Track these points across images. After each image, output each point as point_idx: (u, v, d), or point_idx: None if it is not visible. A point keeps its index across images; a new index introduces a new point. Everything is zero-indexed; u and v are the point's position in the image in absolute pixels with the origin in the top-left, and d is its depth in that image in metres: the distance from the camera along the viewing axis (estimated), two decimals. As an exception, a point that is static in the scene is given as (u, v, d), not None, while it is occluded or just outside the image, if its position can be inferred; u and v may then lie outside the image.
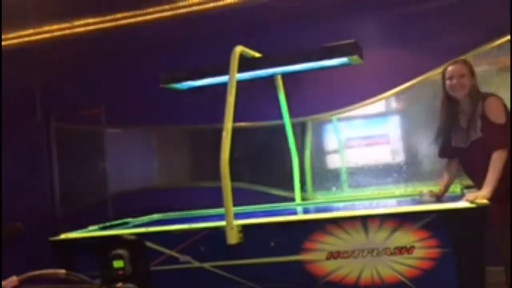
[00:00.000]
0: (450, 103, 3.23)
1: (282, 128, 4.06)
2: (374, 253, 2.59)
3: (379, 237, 2.59)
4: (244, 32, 4.46)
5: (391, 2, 4.39)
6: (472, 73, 3.19)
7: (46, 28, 4.66)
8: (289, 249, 2.73)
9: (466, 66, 3.21)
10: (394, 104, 4.47)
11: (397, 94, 4.37)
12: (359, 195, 4.29)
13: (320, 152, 4.64)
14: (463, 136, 3.15)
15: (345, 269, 2.64)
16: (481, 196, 2.80)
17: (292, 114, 4.03)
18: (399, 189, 4.26)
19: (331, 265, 2.66)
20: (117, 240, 3.02)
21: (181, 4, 4.35)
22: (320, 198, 4.48)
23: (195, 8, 4.34)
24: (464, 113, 3.18)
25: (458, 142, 3.20)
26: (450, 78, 3.18)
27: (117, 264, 2.89)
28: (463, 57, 3.74)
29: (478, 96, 3.14)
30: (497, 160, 2.94)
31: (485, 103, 3.07)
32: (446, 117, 3.26)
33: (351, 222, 2.64)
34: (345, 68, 3.47)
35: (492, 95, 3.14)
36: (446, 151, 3.31)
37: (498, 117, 3.05)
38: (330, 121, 4.59)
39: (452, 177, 3.35)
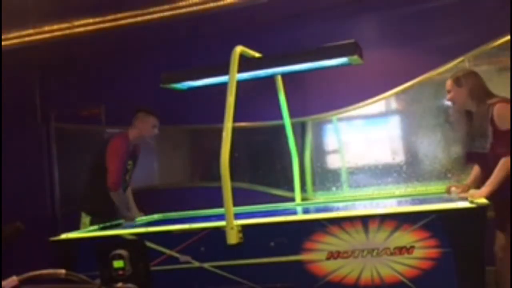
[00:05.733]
0: (464, 112, 3.31)
1: (282, 128, 4.06)
2: (374, 253, 2.60)
3: (379, 237, 2.59)
4: (244, 32, 4.46)
5: (391, 2, 4.39)
6: (458, 84, 3.25)
7: (46, 28, 4.65)
8: (289, 249, 2.73)
9: (450, 81, 3.33)
10: (394, 104, 4.47)
11: (397, 94, 4.37)
12: (359, 195, 4.29)
13: (320, 152, 4.63)
14: (481, 141, 3.16)
15: (345, 269, 2.64)
16: (478, 195, 2.83)
17: (292, 114, 4.03)
18: (399, 189, 4.26)
19: (331, 265, 2.66)
20: (117, 240, 3.02)
21: (181, 4, 4.35)
22: (320, 198, 4.48)
23: (195, 8, 4.34)
24: (478, 119, 3.19)
25: (477, 147, 3.22)
26: None
27: (117, 264, 2.89)
28: (459, 59, 3.80)
29: (481, 101, 3.17)
30: (502, 166, 2.96)
31: (494, 109, 3.08)
32: (463, 125, 3.33)
33: (351, 222, 2.64)
34: (345, 68, 3.47)
35: (502, 100, 3.15)
36: (469, 157, 3.35)
37: (503, 123, 3.05)
38: (330, 121, 4.59)
39: (474, 180, 3.38)
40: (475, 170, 3.41)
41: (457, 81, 3.29)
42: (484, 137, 3.12)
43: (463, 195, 3.05)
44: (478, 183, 3.28)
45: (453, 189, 3.36)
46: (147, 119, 4.14)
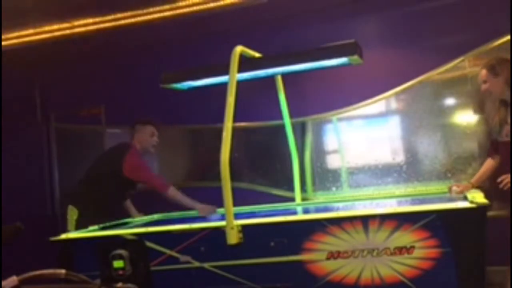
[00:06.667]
0: (499, 100, 3.26)
1: (282, 128, 4.06)
2: (374, 253, 2.60)
3: (379, 237, 2.59)
4: (244, 32, 4.46)
5: (391, 2, 4.39)
6: (494, 74, 3.19)
7: (46, 28, 4.65)
8: (289, 249, 2.73)
9: (485, 70, 3.26)
10: (394, 104, 4.46)
11: (397, 94, 4.37)
12: (359, 195, 4.29)
13: (320, 152, 4.63)
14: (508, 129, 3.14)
15: (345, 269, 2.64)
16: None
17: (292, 114, 4.03)
18: (399, 189, 4.26)
19: (331, 265, 2.66)
20: (117, 240, 3.02)
21: (181, 4, 4.35)
22: (320, 198, 4.48)
23: (195, 8, 4.33)
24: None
25: (503, 136, 3.19)
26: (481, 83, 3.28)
27: (117, 264, 2.89)
28: (460, 59, 3.78)
29: None
30: None
31: None
32: (493, 113, 3.31)
33: (351, 222, 2.65)
34: (345, 68, 3.47)
35: None
36: (494, 146, 3.30)
37: None
38: (330, 121, 4.58)
39: (479, 177, 3.33)
40: (485, 167, 3.34)
41: (492, 70, 3.21)
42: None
43: None
44: (485, 181, 3.25)
45: (454, 188, 3.35)
46: (144, 129, 4.17)
